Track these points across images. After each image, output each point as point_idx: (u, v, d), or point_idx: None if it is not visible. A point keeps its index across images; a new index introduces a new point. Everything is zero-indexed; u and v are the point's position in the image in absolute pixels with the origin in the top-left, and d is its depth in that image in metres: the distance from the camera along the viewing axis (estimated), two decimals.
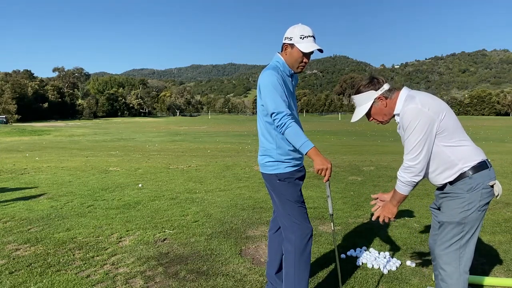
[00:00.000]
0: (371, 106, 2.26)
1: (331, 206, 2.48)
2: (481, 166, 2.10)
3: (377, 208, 2.43)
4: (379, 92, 2.22)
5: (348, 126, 54.79)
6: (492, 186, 2.11)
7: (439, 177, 2.18)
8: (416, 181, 2.13)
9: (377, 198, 2.49)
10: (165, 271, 3.23)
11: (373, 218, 2.39)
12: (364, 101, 2.27)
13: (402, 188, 2.18)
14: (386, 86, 2.22)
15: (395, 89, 2.24)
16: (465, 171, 2.09)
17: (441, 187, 2.24)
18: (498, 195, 2.12)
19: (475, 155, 2.12)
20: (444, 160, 2.12)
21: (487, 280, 2.95)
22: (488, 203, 2.12)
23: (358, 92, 2.29)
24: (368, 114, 2.31)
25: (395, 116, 2.24)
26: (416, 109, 2.06)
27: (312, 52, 2.42)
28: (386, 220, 2.30)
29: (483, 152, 2.18)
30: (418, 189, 6.22)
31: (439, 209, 2.30)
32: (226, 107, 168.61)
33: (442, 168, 2.15)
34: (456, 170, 2.11)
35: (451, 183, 2.14)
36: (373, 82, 2.24)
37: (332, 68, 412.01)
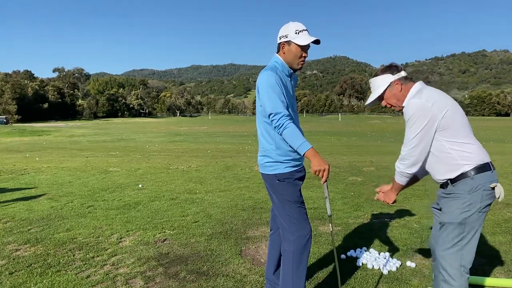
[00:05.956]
0: (386, 89, 2.30)
1: (329, 207, 2.46)
2: (484, 168, 2.09)
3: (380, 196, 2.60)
4: (396, 76, 2.27)
5: (348, 127, 54.76)
6: (493, 188, 2.09)
7: (440, 174, 2.18)
8: (410, 172, 2.21)
9: (380, 191, 2.62)
10: (165, 271, 3.23)
11: (375, 198, 2.62)
12: (380, 84, 2.32)
13: (398, 177, 2.30)
14: (403, 73, 2.29)
15: (411, 79, 2.29)
16: (467, 171, 2.08)
17: (443, 186, 2.24)
18: (499, 197, 2.10)
19: (479, 156, 2.11)
20: (447, 157, 2.12)
21: (488, 281, 2.95)
22: (489, 205, 2.11)
23: (375, 75, 2.36)
24: (381, 97, 2.35)
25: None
26: (420, 103, 2.10)
27: (309, 46, 2.42)
28: (386, 203, 2.49)
29: (487, 154, 2.16)
30: (418, 189, 6.22)
31: (440, 209, 2.30)
32: (226, 108, 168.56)
33: (444, 165, 2.14)
34: (458, 168, 2.10)
35: (452, 181, 2.14)
36: (391, 68, 2.31)
37: (332, 68, 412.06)
